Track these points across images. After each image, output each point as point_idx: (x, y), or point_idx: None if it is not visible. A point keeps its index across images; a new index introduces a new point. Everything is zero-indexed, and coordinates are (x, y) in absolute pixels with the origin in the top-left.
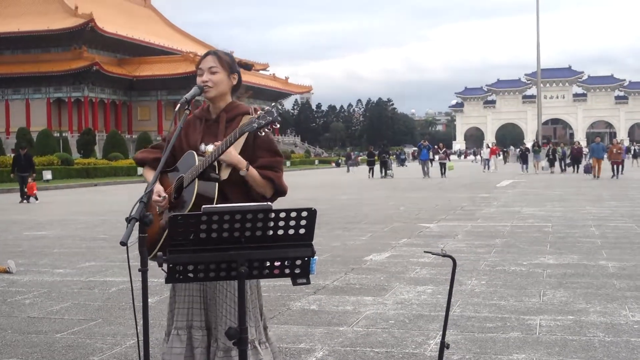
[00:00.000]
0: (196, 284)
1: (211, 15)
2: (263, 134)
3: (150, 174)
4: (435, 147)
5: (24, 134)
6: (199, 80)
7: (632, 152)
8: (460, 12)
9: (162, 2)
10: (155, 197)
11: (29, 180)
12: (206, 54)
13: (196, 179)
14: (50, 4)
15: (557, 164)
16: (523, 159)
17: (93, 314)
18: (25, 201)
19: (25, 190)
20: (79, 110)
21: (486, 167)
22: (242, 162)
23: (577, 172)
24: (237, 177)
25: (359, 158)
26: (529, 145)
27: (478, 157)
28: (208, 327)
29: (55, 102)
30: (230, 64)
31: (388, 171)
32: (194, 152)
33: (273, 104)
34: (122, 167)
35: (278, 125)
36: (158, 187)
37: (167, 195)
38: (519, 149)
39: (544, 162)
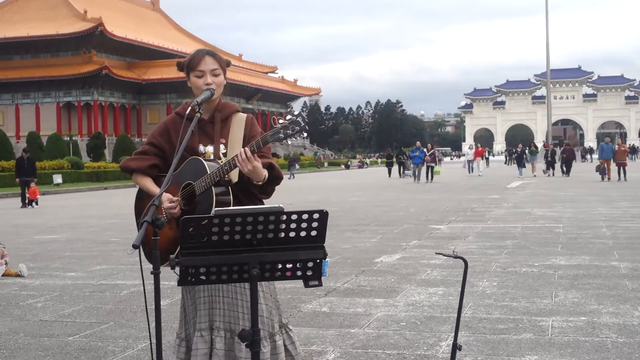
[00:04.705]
0: (217, 284)
1: (219, 18)
2: (290, 142)
3: (145, 180)
4: (425, 149)
5: (34, 138)
6: (199, 82)
7: None
8: (465, 14)
9: (170, 5)
10: (166, 203)
11: (32, 185)
12: (202, 55)
13: (212, 187)
14: (59, 8)
15: (557, 166)
16: (519, 161)
17: (105, 317)
18: (29, 206)
19: (27, 195)
20: (89, 114)
21: (470, 170)
22: (262, 174)
23: (568, 174)
24: (242, 177)
25: (322, 158)
26: (537, 145)
27: (463, 158)
28: (229, 327)
29: (65, 106)
30: (225, 64)
31: (406, 171)
32: (201, 159)
33: (297, 112)
34: None
35: (306, 135)
36: (167, 194)
37: (178, 200)
38: (514, 150)
39: (543, 165)
